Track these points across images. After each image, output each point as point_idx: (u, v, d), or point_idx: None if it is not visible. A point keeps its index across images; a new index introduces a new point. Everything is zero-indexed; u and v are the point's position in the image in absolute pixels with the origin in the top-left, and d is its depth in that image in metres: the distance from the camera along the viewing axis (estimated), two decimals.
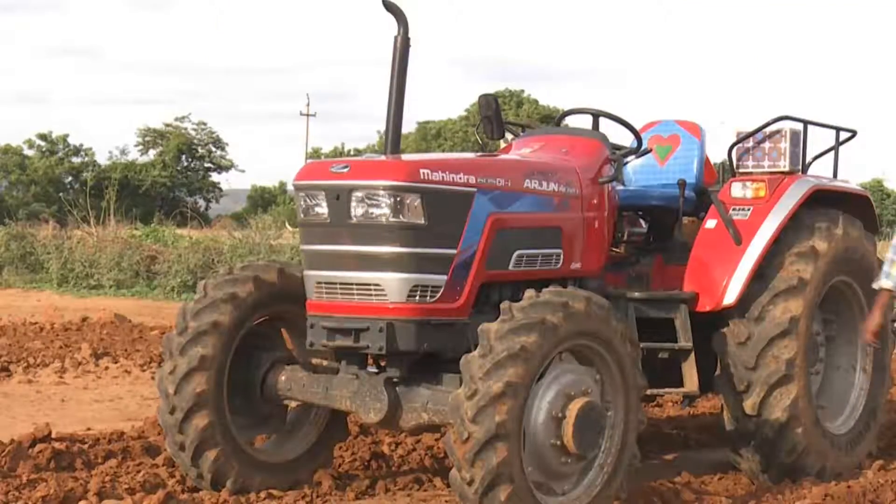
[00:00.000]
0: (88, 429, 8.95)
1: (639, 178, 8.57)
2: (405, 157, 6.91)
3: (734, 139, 8.11)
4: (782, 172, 7.93)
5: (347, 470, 7.78)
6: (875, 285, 6.83)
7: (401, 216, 6.38)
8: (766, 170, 8.02)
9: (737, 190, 7.85)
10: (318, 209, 6.65)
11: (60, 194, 53.33)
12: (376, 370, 6.73)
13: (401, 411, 6.56)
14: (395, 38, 6.55)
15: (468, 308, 6.61)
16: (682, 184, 8.12)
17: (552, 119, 15.12)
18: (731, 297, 7.54)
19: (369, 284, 6.47)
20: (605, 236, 7.45)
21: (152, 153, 76.13)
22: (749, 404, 7.52)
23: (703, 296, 7.55)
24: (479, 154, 7.76)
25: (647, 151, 7.86)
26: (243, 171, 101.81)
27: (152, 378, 11.38)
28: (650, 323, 7.39)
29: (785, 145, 8.04)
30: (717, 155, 9.04)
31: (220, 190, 79.13)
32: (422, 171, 6.47)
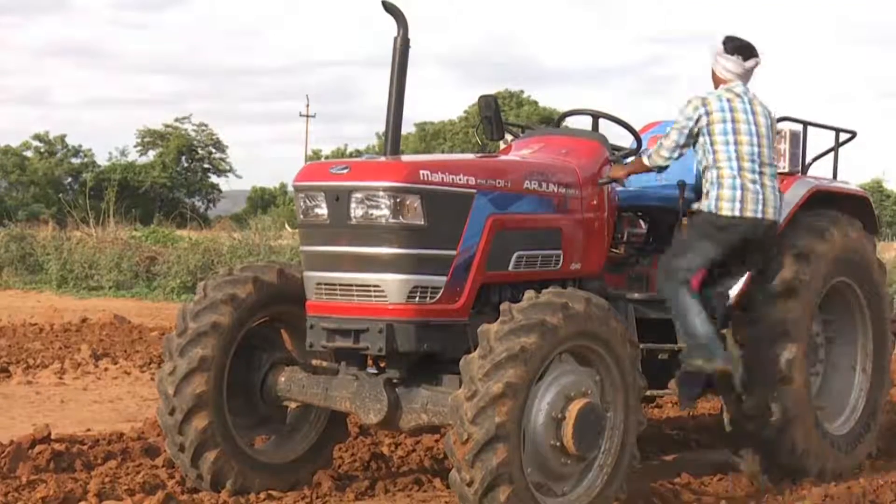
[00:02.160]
0: (88, 430, 8.94)
1: (638, 178, 8.55)
2: (405, 157, 6.90)
3: None
4: (782, 173, 7.92)
5: (347, 471, 7.77)
6: (642, 153, 7.15)
7: (400, 217, 6.37)
8: None
9: None
10: (317, 210, 6.65)
11: (60, 195, 53.35)
12: (376, 371, 6.72)
13: (400, 412, 6.55)
14: (395, 38, 6.54)
15: (468, 309, 6.61)
16: (681, 184, 8.10)
17: (552, 120, 15.10)
18: (730, 298, 7.53)
19: (369, 285, 6.47)
20: (605, 237, 7.44)
21: (151, 154, 76.19)
22: (749, 405, 7.52)
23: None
24: (479, 155, 7.75)
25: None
26: (241, 178, 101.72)
27: (152, 379, 11.38)
28: (650, 324, 7.38)
29: (784, 146, 8.04)
30: None
31: (220, 191, 79.16)
32: (422, 172, 6.46)
